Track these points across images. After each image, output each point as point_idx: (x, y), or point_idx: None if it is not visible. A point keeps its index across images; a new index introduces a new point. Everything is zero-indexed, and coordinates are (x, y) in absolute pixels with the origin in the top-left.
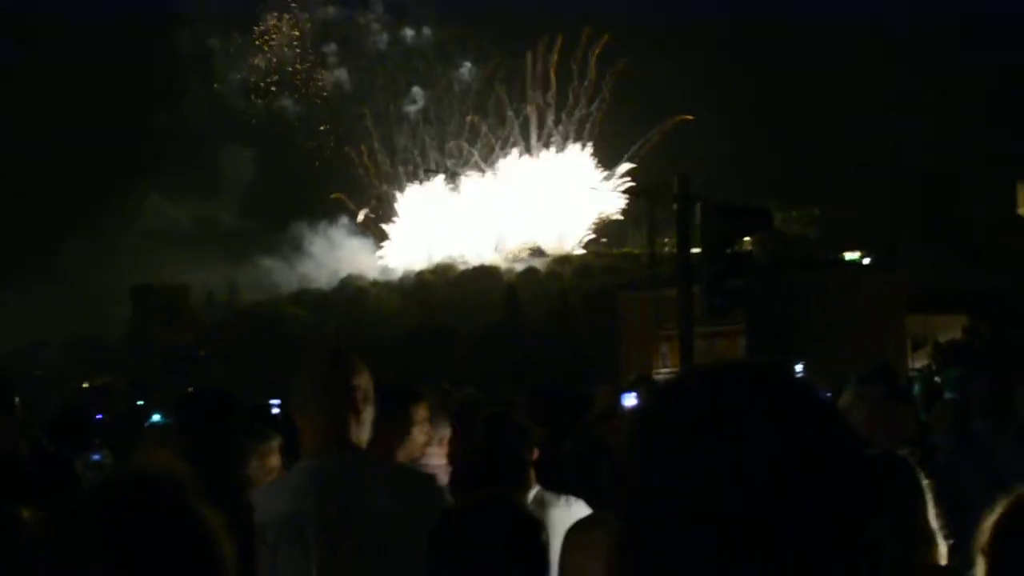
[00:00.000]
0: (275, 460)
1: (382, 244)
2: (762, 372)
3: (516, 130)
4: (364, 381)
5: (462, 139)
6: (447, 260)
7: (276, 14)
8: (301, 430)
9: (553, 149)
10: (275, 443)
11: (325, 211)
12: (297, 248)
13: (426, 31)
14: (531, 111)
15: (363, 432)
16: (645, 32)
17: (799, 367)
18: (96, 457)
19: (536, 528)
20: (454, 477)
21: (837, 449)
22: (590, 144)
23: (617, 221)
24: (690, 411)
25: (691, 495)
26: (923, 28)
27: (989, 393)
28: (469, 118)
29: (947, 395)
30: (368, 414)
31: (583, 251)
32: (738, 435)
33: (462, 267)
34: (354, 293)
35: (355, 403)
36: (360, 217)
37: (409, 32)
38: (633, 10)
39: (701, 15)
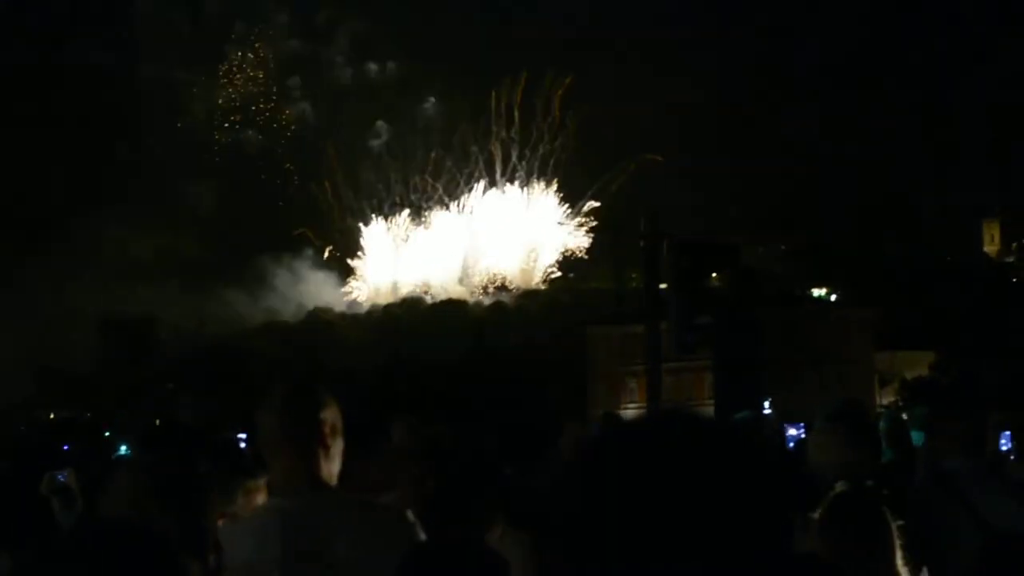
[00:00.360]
0: (262, 498)
1: (348, 278)
2: (691, 419)
3: (481, 165)
4: (331, 414)
5: (427, 174)
6: (414, 294)
7: (240, 53)
8: (269, 468)
9: (517, 184)
10: (263, 480)
11: (290, 244)
12: (261, 281)
13: (390, 65)
14: (495, 147)
15: (332, 468)
16: (609, 72)
17: (766, 403)
18: (61, 477)
19: (503, 568)
20: (422, 515)
21: (753, 479)
22: (555, 180)
23: (583, 256)
24: (626, 455)
25: (630, 526)
26: (890, 67)
27: (958, 432)
28: (433, 154)
29: (914, 433)
30: (337, 449)
31: (549, 286)
32: (667, 476)
33: (429, 301)
34: (321, 327)
35: (323, 438)
36: (325, 254)
37: (373, 67)
38: (596, 51)
39: (665, 54)
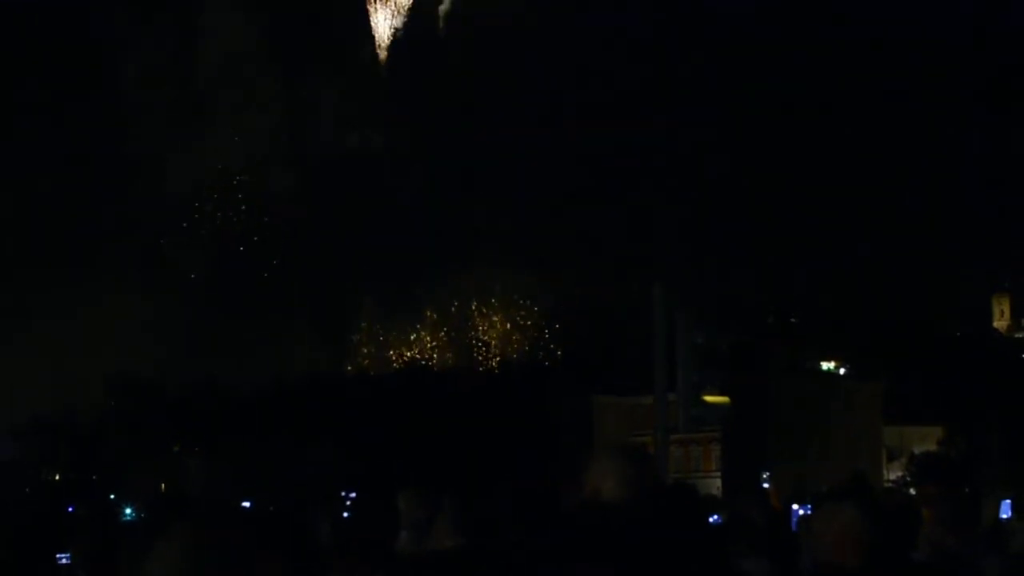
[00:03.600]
0: None
1: (341, 345)
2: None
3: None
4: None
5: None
6: (417, 363)
7: (227, 121)
8: None
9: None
10: None
11: (286, 309)
12: (261, 345)
13: (375, 139)
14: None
15: None
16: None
17: (764, 475)
18: (63, 559)
19: None
20: None
21: None
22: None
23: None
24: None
25: None
26: (896, 139)
27: (959, 510)
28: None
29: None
30: None
31: (548, 357)
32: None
33: (433, 371)
34: (329, 392)
35: None
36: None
37: (358, 140)
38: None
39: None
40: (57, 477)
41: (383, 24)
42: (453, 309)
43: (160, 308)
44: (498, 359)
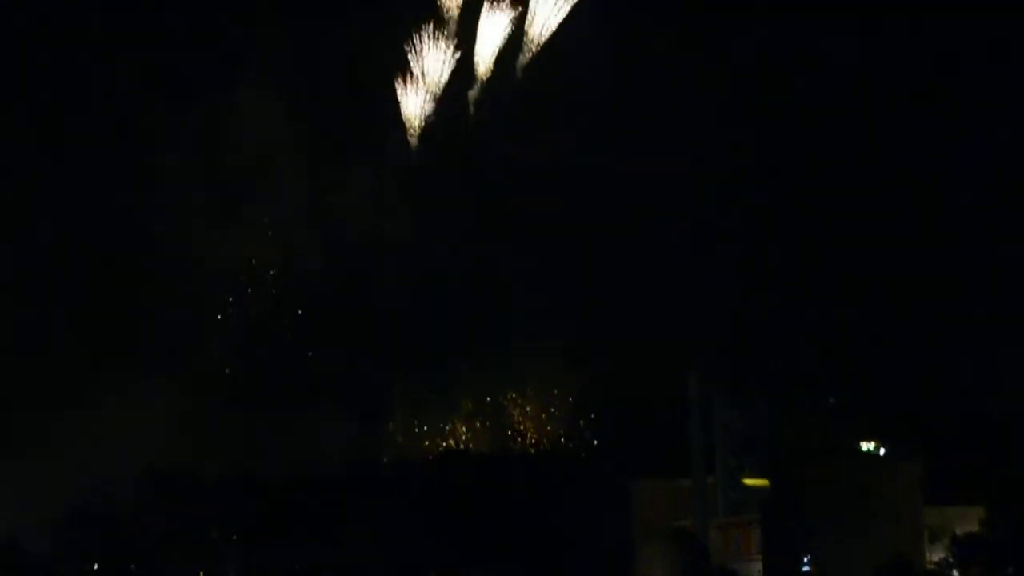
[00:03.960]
0: None
1: (380, 428)
2: None
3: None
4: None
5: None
6: (455, 446)
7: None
8: None
9: None
10: None
11: (320, 394)
12: (295, 430)
13: (401, 214)
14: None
15: None
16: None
17: (805, 559)
18: None
19: None
20: None
21: None
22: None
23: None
24: None
25: None
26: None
27: None
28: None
29: None
30: None
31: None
32: None
33: (474, 454)
34: (367, 477)
35: None
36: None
37: (389, 227)
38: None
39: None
40: (96, 567)
41: (414, 109)
42: (488, 399)
43: (193, 398)
44: (534, 448)
